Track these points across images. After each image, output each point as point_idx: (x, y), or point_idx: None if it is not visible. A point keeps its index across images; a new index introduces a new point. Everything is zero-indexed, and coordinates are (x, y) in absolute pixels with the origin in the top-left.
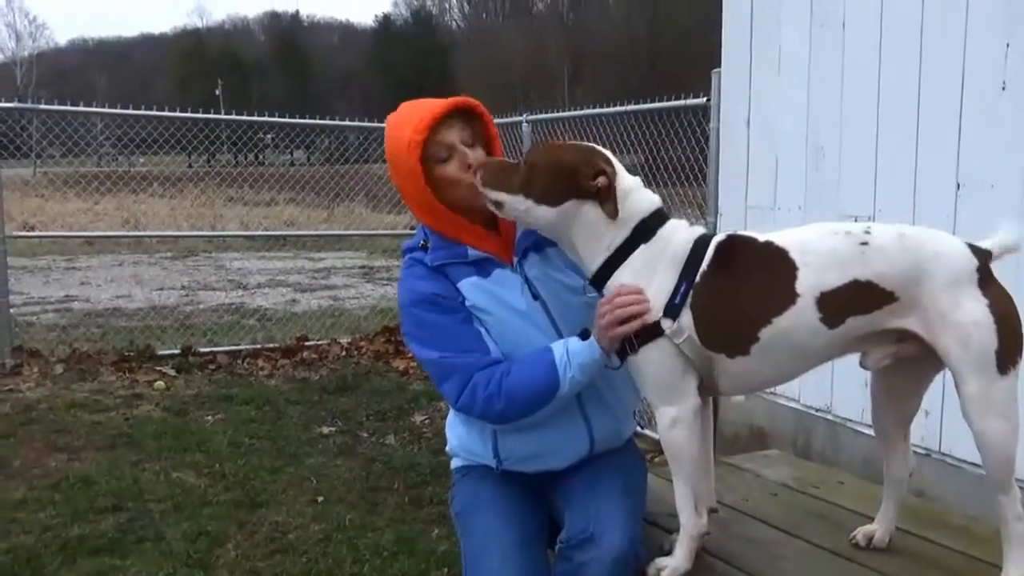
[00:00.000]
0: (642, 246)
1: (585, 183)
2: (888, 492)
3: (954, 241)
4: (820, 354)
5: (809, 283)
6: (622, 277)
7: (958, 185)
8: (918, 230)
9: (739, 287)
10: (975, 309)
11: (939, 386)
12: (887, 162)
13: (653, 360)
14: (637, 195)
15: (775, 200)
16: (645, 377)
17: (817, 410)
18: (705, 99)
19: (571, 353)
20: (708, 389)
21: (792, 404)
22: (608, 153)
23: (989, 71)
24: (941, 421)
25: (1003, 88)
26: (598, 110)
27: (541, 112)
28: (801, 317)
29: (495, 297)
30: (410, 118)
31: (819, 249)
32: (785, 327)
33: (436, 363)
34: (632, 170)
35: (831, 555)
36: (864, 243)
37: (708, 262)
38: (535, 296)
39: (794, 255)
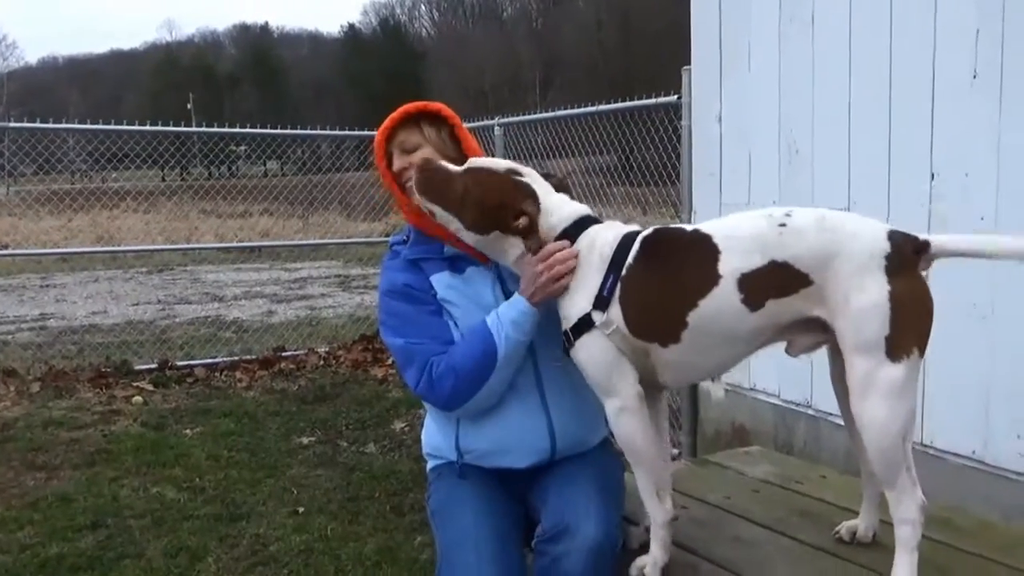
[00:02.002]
0: None
1: (509, 223)
2: (866, 486)
3: (872, 225)
4: (748, 340)
5: (731, 266)
6: None
7: (932, 175)
8: (839, 214)
9: (665, 274)
10: (874, 293)
11: (919, 378)
12: (860, 154)
13: (588, 353)
14: (562, 212)
15: (749, 197)
16: (585, 370)
17: (797, 405)
18: (676, 97)
19: (500, 313)
20: (651, 383)
21: (772, 400)
22: (534, 181)
23: (960, 59)
24: (922, 412)
25: (975, 76)
26: (570, 111)
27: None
28: (724, 299)
29: (465, 294)
30: (390, 116)
31: (740, 233)
32: (710, 310)
33: (401, 349)
34: (606, 171)
35: (816, 551)
36: (782, 225)
37: (634, 255)
38: (506, 294)
39: (717, 240)
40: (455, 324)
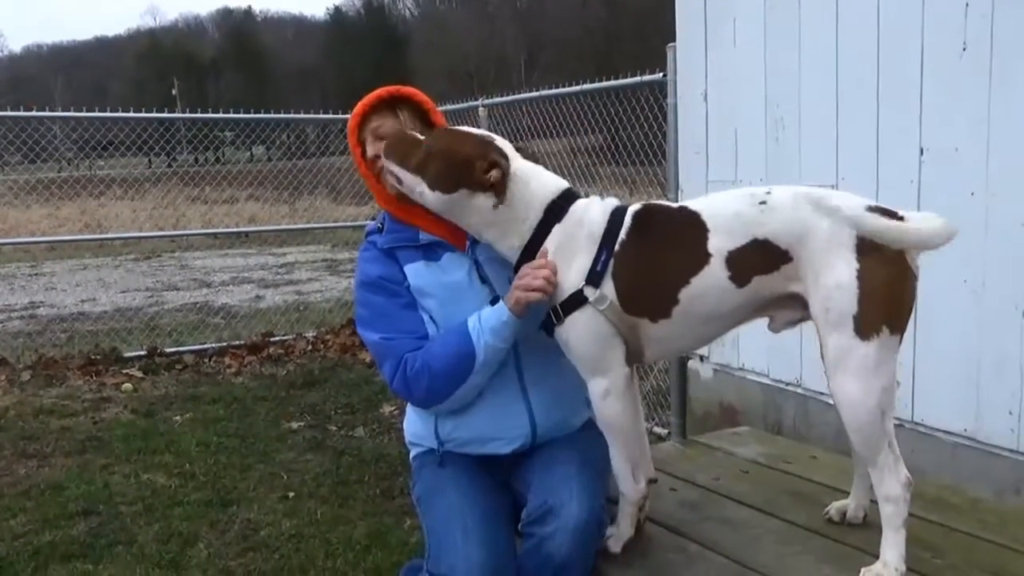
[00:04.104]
0: (556, 226)
1: (479, 176)
2: (856, 465)
3: (848, 202)
4: (733, 315)
5: (718, 243)
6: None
7: (921, 150)
8: (818, 191)
9: (657, 252)
10: (842, 272)
11: (909, 355)
12: (848, 130)
13: (579, 330)
14: (541, 179)
15: (736, 174)
16: (573, 349)
17: (787, 384)
18: (661, 75)
19: (482, 318)
20: (634, 357)
21: (762, 379)
22: (503, 144)
23: (949, 33)
24: (913, 389)
25: (964, 49)
26: (554, 91)
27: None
28: (714, 277)
29: (439, 281)
30: (365, 98)
31: (725, 211)
32: (700, 287)
33: (376, 344)
34: (592, 151)
35: (807, 532)
36: (762, 203)
37: (626, 231)
38: (483, 280)
39: (704, 218)
40: (431, 317)
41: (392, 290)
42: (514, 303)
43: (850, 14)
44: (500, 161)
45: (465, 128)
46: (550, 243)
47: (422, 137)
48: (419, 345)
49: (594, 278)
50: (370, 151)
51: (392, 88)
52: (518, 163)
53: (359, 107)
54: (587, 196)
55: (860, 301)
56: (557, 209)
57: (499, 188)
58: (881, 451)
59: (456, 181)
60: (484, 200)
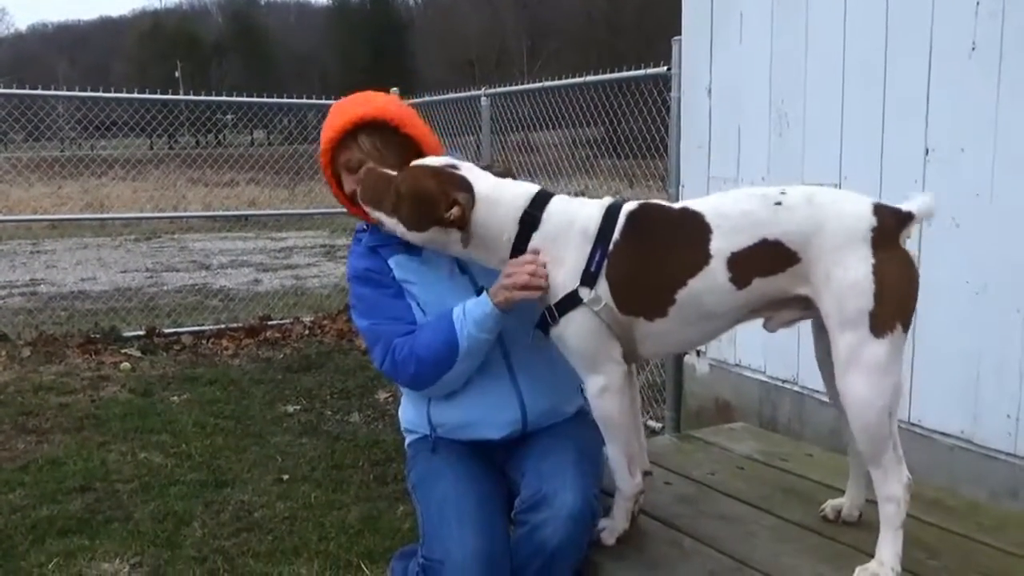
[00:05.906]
0: (534, 234)
1: (441, 214)
2: (853, 464)
3: (857, 201)
4: (730, 315)
5: (721, 245)
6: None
7: (927, 150)
8: (829, 192)
9: (654, 251)
10: (857, 268)
11: (908, 355)
12: (853, 128)
13: (574, 329)
14: (509, 196)
15: (738, 170)
16: (569, 348)
17: (783, 381)
18: (666, 68)
19: (466, 310)
20: (629, 354)
21: (758, 376)
22: (468, 170)
23: (958, 32)
24: (910, 391)
25: (973, 49)
26: (557, 82)
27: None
28: (713, 278)
29: (421, 273)
30: (326, 129)
31: (733, 212)
32: (698, 288)
33: (366, 330)
34: (592, 144)
35: (802, 530)
36: (778, 203)
37: (620, 230)
38: (463, 271)
39: (708, 218)
40: (418, 304)
41: (379, 281)
42: (500, 299)
43: (858, 11)
44: (459, 197)
45: (428, 161)
46: (536, 243)
47: (390, 173)
48: (408, 330)
49: (588, 278)
50: (347, 187)
51: (354, 116)
52: (483, 185)
53: (324, 143)
54: (585, 191)
55: (876, 298)
56: (531, 220)
57: (461, 223)
58: (886, 451)
59: (427, 220)
60: (456, 233)
